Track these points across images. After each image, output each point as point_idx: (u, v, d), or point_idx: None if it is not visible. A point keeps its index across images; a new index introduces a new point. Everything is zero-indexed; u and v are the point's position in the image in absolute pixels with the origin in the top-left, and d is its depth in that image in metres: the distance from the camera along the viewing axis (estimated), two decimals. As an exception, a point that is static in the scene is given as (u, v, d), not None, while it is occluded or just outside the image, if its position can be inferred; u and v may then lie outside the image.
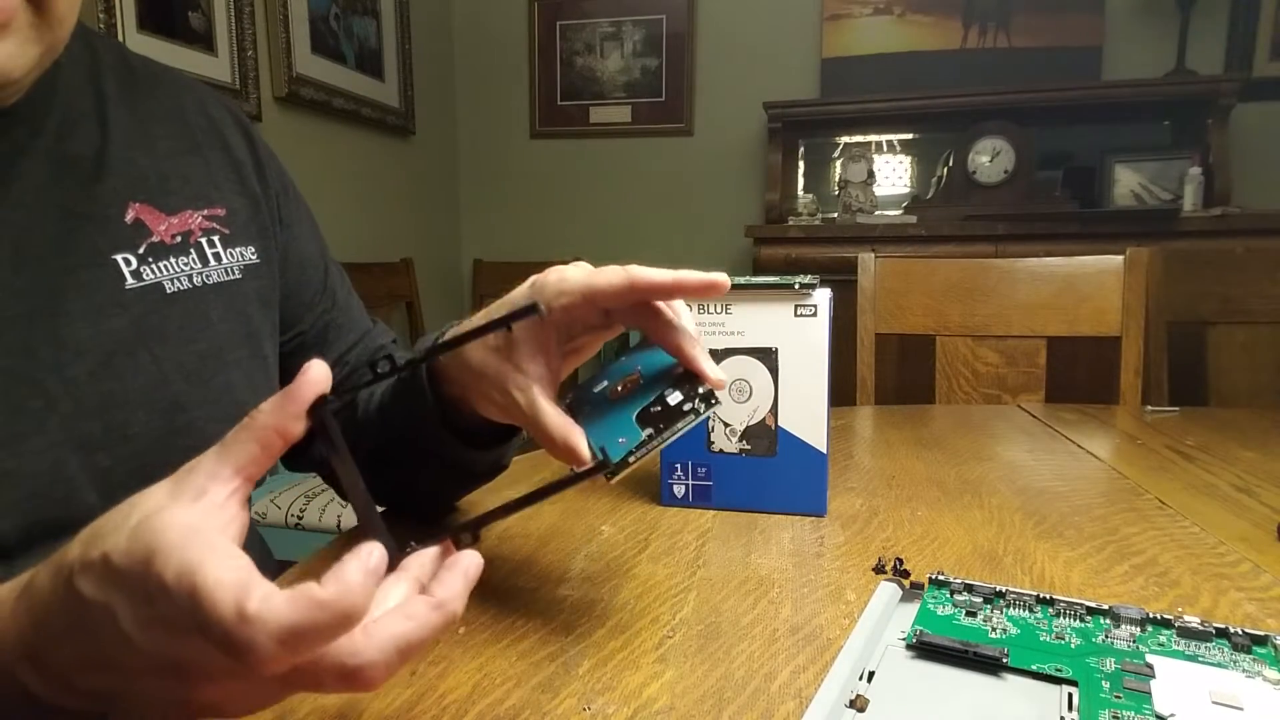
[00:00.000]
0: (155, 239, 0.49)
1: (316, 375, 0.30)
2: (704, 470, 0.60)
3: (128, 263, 0.47)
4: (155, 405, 0.47)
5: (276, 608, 0.23)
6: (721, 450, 0.59)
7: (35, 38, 0.40)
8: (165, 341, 0.48)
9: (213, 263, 0.52)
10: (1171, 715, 0.32)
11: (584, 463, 0.37)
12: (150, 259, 0.48)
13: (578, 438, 0.38)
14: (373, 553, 0.25)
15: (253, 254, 0.54)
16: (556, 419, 0.39)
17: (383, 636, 0.25)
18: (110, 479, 0.45)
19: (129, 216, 0.48)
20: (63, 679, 0.28)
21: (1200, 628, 0.38)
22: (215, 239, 0.52)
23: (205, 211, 0.52)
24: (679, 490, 0.60)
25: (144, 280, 0.48)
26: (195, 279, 0.50)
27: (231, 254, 0.53)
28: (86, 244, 0.46)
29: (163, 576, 0.24)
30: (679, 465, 0.60)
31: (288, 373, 0.61)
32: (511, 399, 0.41)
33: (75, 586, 0.26)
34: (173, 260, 0.49)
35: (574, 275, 0.41)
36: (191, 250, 0.51)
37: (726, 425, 0.59)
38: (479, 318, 0.42)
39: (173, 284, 0.49)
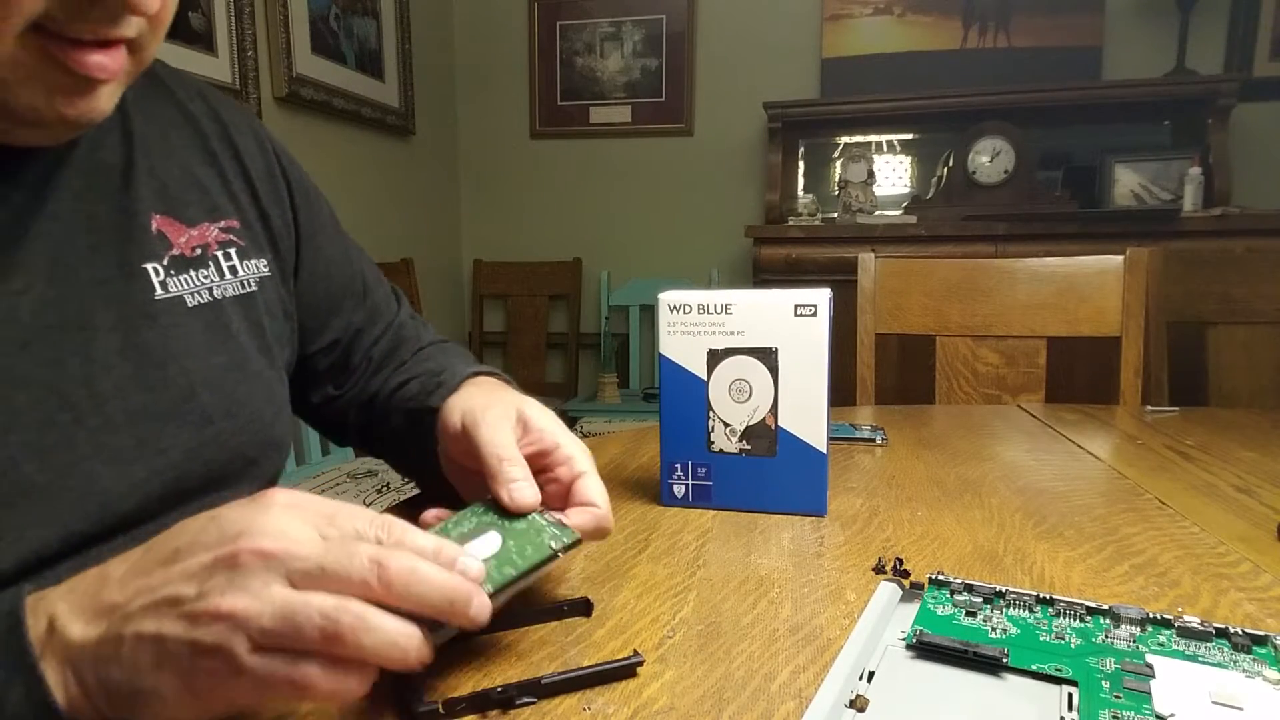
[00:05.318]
0: (176, 251, 0.49)
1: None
2: (704, 470, 0.60)
3: (156, 273, 0.47)
4: (185, 418, 0.47)
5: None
6: (721, 450, 0.59)
7: (125, 81, 0.42)
8: (192, 354, 0.48)
9: (229, 275, 0.52)
10: (1171, 715, 0.32)
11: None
12: (173, 271, 0.48)
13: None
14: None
15: (265, 266, 0.55)
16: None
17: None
18: (146, 489, 0.44)
19: (153, 228, 0.48)
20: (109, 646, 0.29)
21: (1200, 628, 0.38)
22: (232, 251, 0.52)
23: (221, 224, 0.52)
24: (679, 490, 0.60)
25: (170, 292, 0.48)
26: (215, 292, 0.51)
27: (248, 266, 0.53)
28: (116, 254, 0.46)
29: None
30: (679, 465, 0.60)
31: (321, 376, 0.64)
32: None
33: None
34: (192, 273, 0.49)
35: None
36: (210, 263, 0.51)
37: (726, 425, 0.59)
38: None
39: (193, 297, 0.49)
